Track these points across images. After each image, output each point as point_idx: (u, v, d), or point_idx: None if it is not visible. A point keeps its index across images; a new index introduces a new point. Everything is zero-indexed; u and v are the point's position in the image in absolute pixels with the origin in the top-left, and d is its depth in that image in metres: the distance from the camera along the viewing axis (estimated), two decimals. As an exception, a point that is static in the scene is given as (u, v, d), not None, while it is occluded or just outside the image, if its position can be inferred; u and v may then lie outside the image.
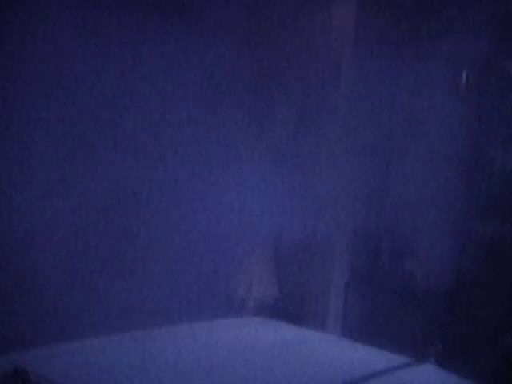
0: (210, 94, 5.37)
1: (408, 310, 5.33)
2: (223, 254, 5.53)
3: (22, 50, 5.05)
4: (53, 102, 5.14)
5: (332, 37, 5.57)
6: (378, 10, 5.36)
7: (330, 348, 3.64)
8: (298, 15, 5.52)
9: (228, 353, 3.36)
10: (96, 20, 5.12)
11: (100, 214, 5.22)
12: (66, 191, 5.17)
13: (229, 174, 5.39)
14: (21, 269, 5.05)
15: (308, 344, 3.60)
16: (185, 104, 5.30)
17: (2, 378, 3.00)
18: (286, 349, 3.46)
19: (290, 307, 5.55)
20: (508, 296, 5.10)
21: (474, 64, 5.25)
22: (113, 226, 5.27)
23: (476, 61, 5.25)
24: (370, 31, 5.43)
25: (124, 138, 5.28)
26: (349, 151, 5.58)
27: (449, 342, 4.83)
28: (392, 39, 5.32)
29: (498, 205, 5.19)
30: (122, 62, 5.19)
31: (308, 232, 5.46)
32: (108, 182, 5.13)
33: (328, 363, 3.34)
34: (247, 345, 3.50)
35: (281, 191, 5.40)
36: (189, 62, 5.30)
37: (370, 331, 5.19)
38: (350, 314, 5.56)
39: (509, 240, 5.16)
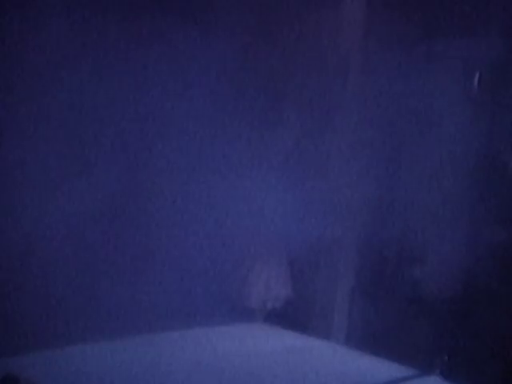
0: (217, 96, 5.32)
1: (414, 319, 5.29)
2: (232, 260, 5.51)
3: (22, 50, 5.01)
4: (53, 102, 5.09)
5: (341, 37, 5.54)
6: (389, 10, 5.33)
7: (334, 357, 3.63)
8: (307, 15, 5.47)
9: (229, 360, 3.36)
10: (100, 20, 5.06)
11: (103, 218, 5.18)
12: (68, 192, 5.13)
13: (238, 178, 5.34)
14: (18, 272, 4.99)
15: (311, 353, 3.60)
16: (192, 106, 5.27)
17: None
18: (289, 357, 3.46)
19: (294, 313, 5.51)
20: (519, 306, 5.05)
21: (487, 65, 5.21)
22: (118, 230, 5.22)
23: (490, 62, 5.21)
24: (380, 31, 5.39)
25: (131, 140, 5.25)
26: (357, 155, 5.55)
27: (456, 352, 4.76)
28: (403, 39, 5.30)
29: (510, 211, 5.16)
30: (126, 62, 5.14)
31: (315, 237, 5.41)
32: (112, 185, 5.10)
33: (331, 373, 3.34)
34: (249, 352, 3.50)
35: (289, 196, 5.36)
36: (195, 64, 5.25)
37: (375, 339, 5.14)
38: (355, 322, 5.52)
39: (521, 248, 5.12)
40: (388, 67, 5.32)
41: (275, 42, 5.52)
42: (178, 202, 5.34)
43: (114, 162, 5.19)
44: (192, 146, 5.39)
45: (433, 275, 5.38)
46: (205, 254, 5.36)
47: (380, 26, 5.39)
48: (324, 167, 5.61)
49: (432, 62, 5.25)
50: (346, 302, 5.59)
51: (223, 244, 5.39)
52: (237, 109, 5.38)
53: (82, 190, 5.15)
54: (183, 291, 5.17)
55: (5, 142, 4.97)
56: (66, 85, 5.07)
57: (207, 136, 5.38)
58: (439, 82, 5.26)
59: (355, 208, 5.56)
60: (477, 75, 5.22)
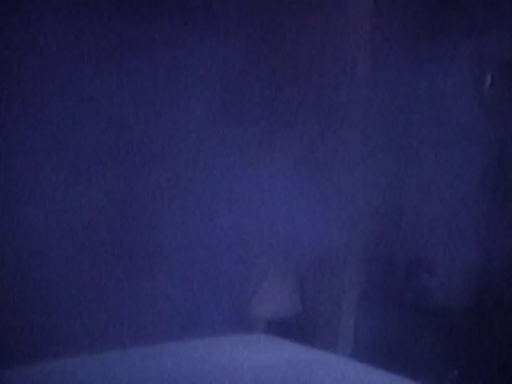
0: (224, 98, 5.25)
1: (424, 332, 5.21)
2: (238, 269, 5.46)
3: (22, 51, 4.88)
4: (53, 102, 4.96)
5: (348, 37, 5.46)
6: (396, 7, 5.29)
7: (338, 371, 3.58)
8: (313, 13, 5.38)
9: (232, 372, 3.33)
10: (102, 21, 4.94)
11: (105, 224, 5.03)
12: (71, 192, 4.99)
13: (245, 185, 5.28)
14: (19, 278, 4.80)
15: (317, 365, 3.56)
16: (199, 109, 5.19)
17: None
18: (293, 369, 3.43)
19: (299, 324, 5.46)
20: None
21: (499, 65, 5.14)
22: (121, 239, 5.08)
23: (502, 62, 5.14)
24: (388, 30, 5.34)
25: (136, 141, 5.14)
26: (365, 161, 5.47)
27: (468, 367, 4.73)
28: (411, 38, 5.24)
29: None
30: (129, 64, 5.03)
31: (321, 246, 5.37)
32: (117, 188, 4.99)
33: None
34: (253, 364, 3.46)
35: (296, 205, 5.30)
36: (201, 67, 5.16)
37: (383, 352, 5.08)
38: (362, 333, 5.43)
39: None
40: (397, 68, 5.28)
41: (281, 42, 5.43)
42: (185, 211, 5.27)
43: (118, 165, 5.11)
44: (198, 150, 5.32)
45: (443, 285, 5.30)
46: (209, 263, 5.30)
47: (387, 24, 5.35)
48: (331, 174, 5.51)
49: (442, 62, 5.18)
50: (352, 313, 5.52)
51: (228, 251, 5.34)
52: (242, 112, 5.33)
53: (84, 194, 5.01)
54: (188, 300, 5.14)
55: (5, 143, 4.88)
56: (66, 85, 4.97)
57: (214, 141, 5.31)
58: (449, 81, 5.20)
59: (362, 216, 5.49)
60: (489, 76, 5.15)
